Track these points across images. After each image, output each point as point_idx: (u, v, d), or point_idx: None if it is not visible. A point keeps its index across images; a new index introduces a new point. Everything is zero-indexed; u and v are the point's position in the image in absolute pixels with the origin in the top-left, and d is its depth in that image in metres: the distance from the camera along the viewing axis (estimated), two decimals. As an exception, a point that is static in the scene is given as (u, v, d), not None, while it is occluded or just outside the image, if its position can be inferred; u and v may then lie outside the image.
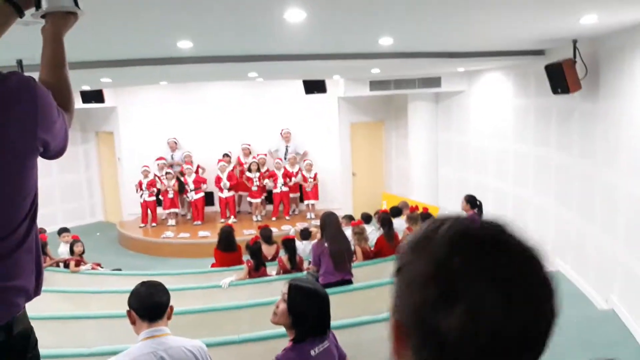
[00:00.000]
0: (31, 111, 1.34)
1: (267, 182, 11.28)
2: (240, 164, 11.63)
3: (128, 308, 2.32)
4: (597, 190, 5.93)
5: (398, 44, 5.50)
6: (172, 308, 2.38)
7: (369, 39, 5.06)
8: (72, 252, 7.42)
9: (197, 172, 11.39)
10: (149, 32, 4.03)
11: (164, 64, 5.26)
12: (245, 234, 10.00)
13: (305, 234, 7.67)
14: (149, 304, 2.30)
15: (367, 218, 8.32)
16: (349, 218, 8.17)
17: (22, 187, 1.39)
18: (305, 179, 11.43)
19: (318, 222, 6.07)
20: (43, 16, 1.54)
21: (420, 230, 0.73)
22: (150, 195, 11.18)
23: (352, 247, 6.33)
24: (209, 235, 10.29)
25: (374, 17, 3.94)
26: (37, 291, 1.47)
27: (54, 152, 1.48)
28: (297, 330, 2.54)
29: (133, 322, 2.32)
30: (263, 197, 11.44)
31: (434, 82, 10.01)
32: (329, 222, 5.65)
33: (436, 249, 0.66)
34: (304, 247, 7.26)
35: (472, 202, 7.25)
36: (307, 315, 2.53)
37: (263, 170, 11.44)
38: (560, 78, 5.89)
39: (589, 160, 6.11)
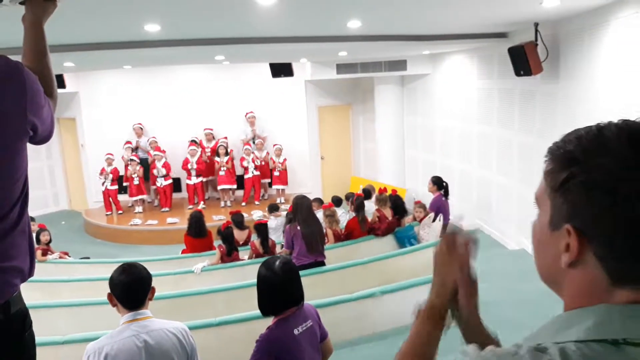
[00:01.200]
0: (21, 95, 1.35)
1: (240, 168, 11.25)
2: (202, 148, 11.53)
3: (109, 292, 2.33)
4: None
5: (366, 27, 5.55)
6: (154, 290, 2.40)
7: (337, 22, 5.09)
8: (38, 241, 7.27)
9: (166, 163, 11.25)
10: (116, 14, 3.96)
11: (130, 48, 5.17)
12: (214, 219, 9.98)
13: (274, 208, 7.72)
14: (130, 293, 2.30)
15: (337, 201, 8.43)
16: (319, 201, 8.25)
17: (15, 169, 1.40)
18: (274, 163, 11.44)
19: (288, 206, 6.15)
20: (22, 3, 1.53)
21: (570, 141, 0.76)
22: (112, 184, 10.99)
23: (324, 230, 6.41)
24: (177, 222, 10.23)
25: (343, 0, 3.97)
26: (31, 272, 1.49)
27: (42, 137, 1.49)
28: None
29: (115, 305, 2.33)
30: (231, 185, 11.40)
31: (400, 65, 10.10)
32: (301, 205, 5.71)
33: (616, 151, 0.69)
34: (275, 223, 7.31)
35: (438, 183, 7.41)
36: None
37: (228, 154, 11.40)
38: (523, 60, 6.05)
39: (550, 140, 6.29)
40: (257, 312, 4.42)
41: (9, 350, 1.45)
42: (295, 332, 2.55)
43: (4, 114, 1.34)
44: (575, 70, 5.64)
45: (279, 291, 2.57)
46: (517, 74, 6.25)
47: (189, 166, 11.09)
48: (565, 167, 0.73)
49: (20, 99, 1.36)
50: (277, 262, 2.60)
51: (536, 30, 5.98)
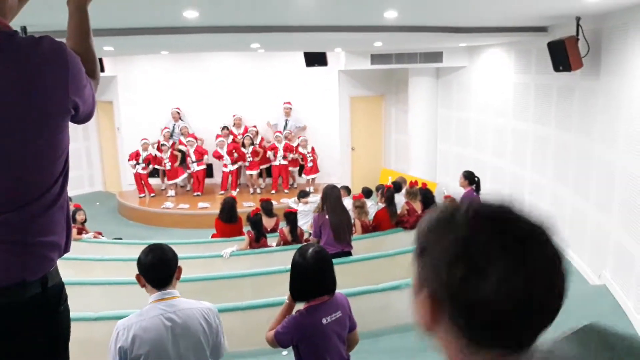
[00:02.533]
0: (63, 74, 1.40)
1: (270, 154, 11.31)
2: (234, 136, 11.63)
3: (137, 272, 2.39)
4: (593, 167, 6.00)
5: (402, 18, 5.49)
6: (180, 269, 2.45)
7: (374, 11, 5.05)
8: (74, 220, 7.49)
9: (198, 148, 11.40)
10: (156, 0, 4.02)
11: (169, 33, 5.24)
12: (244, 206, 10.09)
13: (303, 194, 7.75)
14: (157, 273, 2.36)
15: (367, 192, 8.42)
16: (347, 189, 8.27)
17: (57, 146, 1.45)
18: (304, 157, 11.46)
19: (319, 195, 6.17)
20: None
21: (436, 213, 0.81)
22: (144, 169, 11.21)
23: (352, 220, 6.42)
24: (208, 207, 10.38)
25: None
26: (67, 248, 1.55)
27: (83, 116, 1.54)
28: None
29: (143, 285, 2.40)
30: (259, 169, 11.48)
31: (436, 57, 9.97)
32: (331, 194, 5.73)
33: (459, 231, 0.74)
34: (301, 208, 7.35)
35: (470, 178, 7.32)
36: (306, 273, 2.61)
37: (257, 141, 11.45)
38: (563, 55, 5.90)
39: (587, 138, 6.17)
40: (283, 298, 4.49)
41: (46, 322, 1.51)
42: (324, 321, 2.58)
43: (47, 93, 1.38)
44: (617, 66, 5.47)
45: (309, 278, 2.61)
46: (556, 69, 6.10)
47: (222, 154, 11.19)
48: (422, 238, 0.80)
49: (63, 78, 1.40)
50: (310, 250, 2.64)
51: (578, 25, 5.81)
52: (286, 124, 11.68)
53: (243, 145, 11.34)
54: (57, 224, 1.49)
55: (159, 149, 11.25)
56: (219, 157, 11.25)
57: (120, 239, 8.35)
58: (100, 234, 7.99)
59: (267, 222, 7.16)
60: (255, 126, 11.70)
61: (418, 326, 0.83)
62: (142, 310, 2.31)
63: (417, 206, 7.43)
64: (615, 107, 5.48)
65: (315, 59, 9.94)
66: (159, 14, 4.61)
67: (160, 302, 2.32)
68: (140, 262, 2.39)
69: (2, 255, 1.39)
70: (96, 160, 12.95)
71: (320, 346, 2.60)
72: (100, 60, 10.05)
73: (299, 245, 6.40)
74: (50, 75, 1.38)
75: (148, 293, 2.40)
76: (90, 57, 1.58)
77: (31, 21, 4.36)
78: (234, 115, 11.72)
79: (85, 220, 7.76)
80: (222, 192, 11.28)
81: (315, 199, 7.15)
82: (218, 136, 11.36)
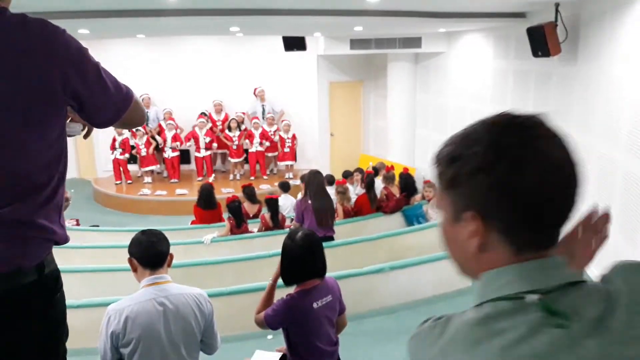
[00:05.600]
0: (57, 62, 1.33)
1: (246, 142, 11.24)
2: (212, 121, 11.51)
3: (129, 256, 2.36)
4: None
5: (384, 2, 5.47)
6: (172, 256, 2.43)
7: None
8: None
9: (176, 129, 11.24)
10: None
11: (148, 16, 5.12)
12: (223, 192, 10.02)
13: (285, 186, 7.73)
14: (150, 252, 2.34)
15: (347, 175, 8.48)
16: (330, 179, 8.29)
17: (45, 144, 1.40)
18: (282, 140, 11.41)
19: (298, 181, 6.15)
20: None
21: (451, 143, 0.86)
22: (122, 154, 11.02)
23: (334, 205, 6.44)
24: (186, 193, 10.29)
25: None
26: (62, 241, 1.52)
27: (94, 114, 1.48)
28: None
29: (134, 270, 2.37)
30: (243, 157, 11.42)
31: (415, 42, 9.99)
32: (313, 180, 5.73)
33: (484, 140, 0.80)
34: (283, 201, 7.33)
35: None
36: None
37: (242, 128, 11.39)
38: (542, 41, 5.96)
39: (564, 123, 6.26)
40: (266, 283, 4.49)
41: (43, 309, 1.49)
42: (315, 305, 2.59)
43: (33, 80, 1.31)
44: (594, 52, 5.56)
45: (298, 261, 2.61)
46: (535, 54, 6.17)
47: (200, 140, 11.08)
48: (449, 165, 0.83)
49: (54, 66, 1.33)
50: (300, 234, 2.64)
51: (557, 11, 5.87)
52: (264, 109, 11.60)
53: (229, 128, 11.23)
54: (52, 220, 1.46)
55: (133, 134, 11.06)
56: (194, 137, 11.09)
57: (97, 226, 8.23)
58: (76, 221, 7.85)
59: (250, 208, 7.13)
60: (244, 113, 11.58)
61: (461, 260, 0.87)
62: (134, 295, 2.28)
63: (395, 190, 7.49)
64: (592, 92, 5.58)
65: (294, 44, 9.85)
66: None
67: (152, 286, 2.29)
68: (133, 243, 2.36)
69: None
70: (70, 146, 12.58)
71: (310, 330, 2.61)
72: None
73: (281, 231, 6.44)
74: (38, 64, 1.30)
75: (138, 279, 2.37)
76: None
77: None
78: (213, 101, 11.58)
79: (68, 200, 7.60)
80: (200, 178, 11.18)
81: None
82: (200, 117, 11.21)
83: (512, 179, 0.76)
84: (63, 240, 1.52)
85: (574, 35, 5.90)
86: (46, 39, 1.32)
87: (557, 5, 5.82)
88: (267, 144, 11.24)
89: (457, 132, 0.86)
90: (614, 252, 4.97)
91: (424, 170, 10.43)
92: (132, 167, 11.37)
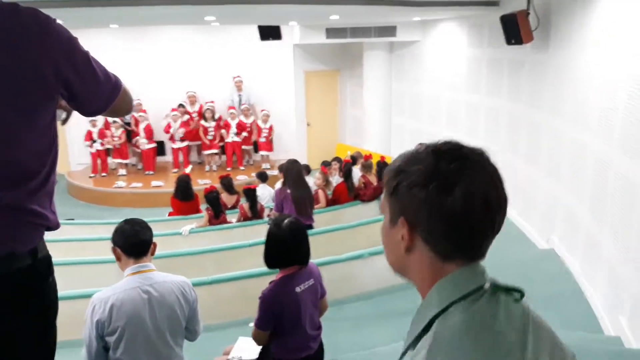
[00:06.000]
0: (47, 50, 1.34)
1: (223, 132, 11.18)
2: (189, 113, 11.40)
3: (113, 245, 2.36)
4: (543, 137, 6.26)
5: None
6: (155, 245, 2.44)
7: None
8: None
9: (148, 125, 11.09)
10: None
11: (123, 5, 5.04)
12: (200, 183, 9.96)
13: (263, 176, 7.73)
14: (134, 241, 2.34)
15: (327, 164, 8.54)
16: (307, 168, 8.31)
17: (37, 133, 1.41)
18: (259, 130, 11.37)
19: (275, 172, 6.15)
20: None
21: (400, 158, 0.99)
22: (102, 145, 10.87)
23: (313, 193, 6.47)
24: (162, 185, 10.20)
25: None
26: (54, 226, 1.53)
27: (85, 102, 1.50)
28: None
29: (118, 259, 2.37)
30: (220, 148, 11.35)
31: (390, 31, 10.04)
32: (292, 169, 5.75)
33: (425, 161, 0.92)
34: (261, 191, 7.33)
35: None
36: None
37: (216, 118, 11.30)
38: (514, 29, 6.07)
39: (537, 109, 6.42)
40: (249, 271, 4.50)
41: (36, 293, 1.51)
42: (297, 289, 2.63)
43: (23, 68, 1.31)
44: (565, 39, 5.68)
45: (283, 248, 2.64)
46: (509, 42, 6.28)
47: (172, 131, 10.98)
48: (395, 176, 0.96)
49: (47, 55, 1.33)
50: (286, 221, 2.67)
51: (528, -1, 5.98)
52: (240, 99, 11.53)
53: (204, 118, 11.14)
54: (45, 207, 1.49)
55: (107, 126, 10.89)
56: (170, 130, 11.00)
57: (73, 219, 8.12)
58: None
59: (228, 199, 7.12)
60: (213, 102, 11.48)
61: (392, 258, 1.02)
62: (119, 283, 2.29)
63: (373, 179, 7.57)
64: (562, 79, 5.71)
65: (270, 33, 9.79)
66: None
67: (137, 274, 2.30)
68: (119, 232, 2.36)
69: None
70: (41, 139, 12.38)
71: (295, 314, 2.64)
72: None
73: (260, 221, 6.44)
74: (29, 49, 1.31)
75: (122, 268, 2.37)
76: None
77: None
78: (187, 92, 11.46)
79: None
80: (175, 170, 11.09)
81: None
82: (173, 110, 11.09)
83: (439, 199, 0.88)
84: (55, 225, 1.54)
85: (546, 23, 6.02)
86: (38, 28, 1.33)
87: (529, -7, 5.93)
88: (244, 134, 11.19)
89: (408, 150, 0.98)
90: (585, 235, 5.11)
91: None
92: (108, 160, 11.22)
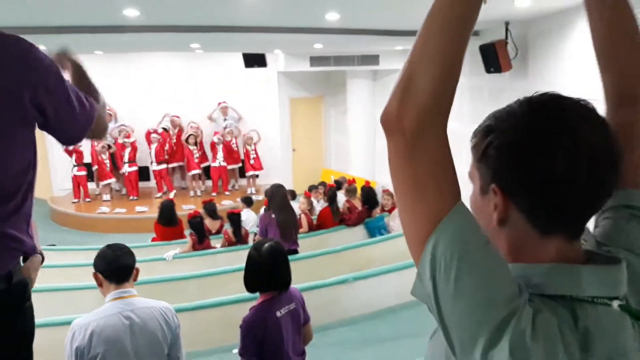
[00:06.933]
0: (24, 76, 1.36)
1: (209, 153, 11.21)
2: (163, 137, 11.36)
3: (94, 270, 2.35)
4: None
5: (344, 20, 5.62)
6: (138, 270, 2.43)
7: (316, 13, 5.15)
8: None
9: (133, 145, 11.06)
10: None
11: (107, 32, 5.10)
12: (184, 208, 9.91)
13: (248, 201, 7.73)
14: (116, 266, 2.33)
15: (312, 188, 8.59)
16: (292, 193, 8.34)
17: (12, 159, 1.42)
18: (247, 153, 11.42)
19: (260, 196, 6.17)
20: None
21: (486, 119, 0.86)
22: (79, 170, 10.79)
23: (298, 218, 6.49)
24: (146, 210, 10.12)
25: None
26: (30, 251, 1.52)
27: (60, 130, 1.52)
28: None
29: (100, 285, 2.35)
30: (200, 170, 11.32)
31: (373, 59, 10.22)
32: (277, 193, 5.77)
33: (519, 116, 0.80)
34: (246, 216, 7.32)
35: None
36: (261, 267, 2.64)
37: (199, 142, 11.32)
38: (493, 58, 6.24)
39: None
40: (232, 297, 4.48)
41: (10, 318, 1.47)
42: (278, 314, 2.62)
43: (3, 96, 1.33)
44: (543, 68, 5.85)
45: (262, 273, 2.63)
46: (488, 71, 6.44)
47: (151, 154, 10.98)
48: (484, 137, 0.84)
49: (26, 80, 1.36)
50: (266, 245, 2.67)
51: (507, 29, 6.16)
52: (226, 124, 11.58)
53: (187, 142, 11.14)
54: (21, 231, 1.47)
55: (93, 152, 10.83)
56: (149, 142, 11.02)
57: (54, 245, 8.01)
58: (32, 241, 7.62)
59: (212, 224, 7.09)
60: (198, 127, 11.50)
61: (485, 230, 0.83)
62: (100, 309, 2.27)
63: (357, 203, 7.61)
64: (542, 106, 5.86)
65: (255, 60, 9.92)
66: (98, 11, 4.48)
67: (118, 300, 2.29)
68: (99, 257, 2.35)
69: None
70: (23, 165, 12.26)
71: (277, 339, 2.63)
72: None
73: (245, 246, 6.42)
74: (7, 75, 1.33)
75: (103, 294, 2.36)
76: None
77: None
78: (170, 115, 11.48)
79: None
80: (159, 194, 11.04)
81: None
82: (150, 133, 11.10)
83: (537, 160, 0.75)
84: (31, 250, 1.52)
85: (524, 52, 6.20)
86: (18, 54, 1.36)
87: (507, 23, 6.11)
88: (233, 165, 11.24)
89: (502, 107, 0.85)
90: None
91: (386, 184, 10.62)
92: (91, 185, 11.12)
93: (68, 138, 1.58)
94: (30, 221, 1.54)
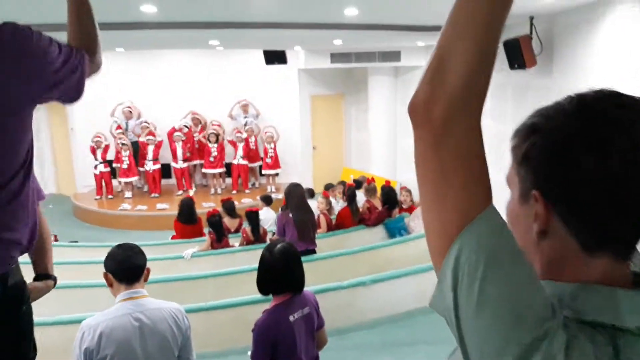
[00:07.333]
0: (23, 65, 1.32)
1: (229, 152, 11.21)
2: (188, 136, 11.40)
3: (105, 270, 2.32)
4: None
5: (363, 15, 5.53)
6: (148, 270, 2.39)
7: (334, 8, 5.07)
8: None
9: (158, 144, 11.13)
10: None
11: (126, 29, 5.09)
12: (204, 206, 9.93)
13: (267, 200, 7.70)
14: (126, 266, 2.30)
15: (328, 187, 8.53)
16: (310, 192, 8.28)
17: (13, 137, 1.36)
18: (265, 150, 11.41)
19: (280, 195, 6.13)
20: None
21: (530, 116, 0.77)
22: (105, 166, 10.91)
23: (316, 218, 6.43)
24: (167, 208, 10.18)
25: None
26: (30, 245, 1.46)
27: (65, 97, 1.45)
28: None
29: (110, 285, 2.32)
30: (223, 169, 11.34)
31: (394, 56, 10.10)
32: (294, 192, 5.72)
33: (568, 114, 0.71)
34: (265, 215, 7.29)
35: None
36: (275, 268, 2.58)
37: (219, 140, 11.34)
38: (517, 54, 6.07)
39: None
40: (247, 297, 4.43)
41: (6, 322, 1.41)
42: (291, 318, 2.55)
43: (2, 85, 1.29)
44: (569, 64, 5.67)
45: (274, 274, 2.58)
46: (512, 67, 6.28)
47: (177, 152, 11.03)
48: (526, 137, 0.75)
49: (23, 69, 1.32)
50: (278, 246, 2.61)
51: (531, 24, 5.99)
52: (246, 122, 11.58)
53: (209, 140, 11.17)
54: (18, 220, 1.39)
55: (118, 153, 10.93)
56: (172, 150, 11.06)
57: (77, 242, 8.09)
58: (54, 237, 7.71)
59: (230, 223, 7.07)
60: (219, 125, 11.52)
61: (521, 245, 0.71)
62: (109, 310, 2.24)
63: (377, 203, 7.50)
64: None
65: (275, 57, 9.89)
66: (115, 8, 4.48)
67: (128, 301, 2.25)
68: (109, 257, 2.32)
69: None
70: (48, 162, 12.48)
71: (290, 343, 2.57)
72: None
73: (263, 245, 6.39)
74: (7, 67, 1.29)
75: (114, 294, 2.32)
76: (92, 36, 1.54)
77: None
78: (192, 113, 11.53)
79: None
80: (180, 192, 11.09)
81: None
82: (174, 131, 11.14)
83: (587, 164, 0.66)
84: (27, 248, 1.45)
85: (549, 48, 6.02)
86: (16, 46, 1.31)
87: (531, 18, 5.94)
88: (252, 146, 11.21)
89: (548, 104, 0.76)
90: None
91: (406, 182, 10.49)
92: (113, 182, 11.24)
93: (70, 101, 1.52)
94: (33, 212, 1.46)
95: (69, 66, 1.43)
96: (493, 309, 0.62)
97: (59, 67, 1.39)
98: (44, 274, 1.79)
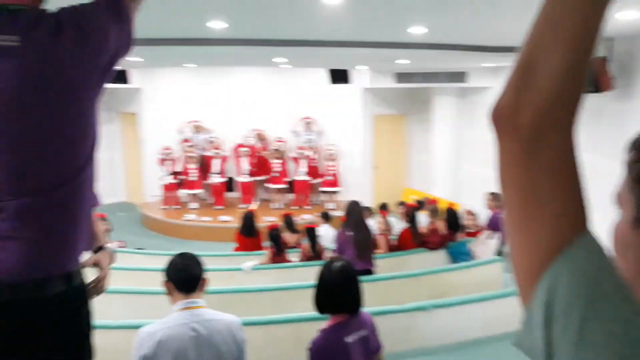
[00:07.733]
0: (88, 53, 1.31)
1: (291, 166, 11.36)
2: (253, 150, 11.68)
3: (165, 279, 2.37)
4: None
5: (431, 35, 5.47)
6: (205, 280, 2.42)
7: (401, 27, 5.04)
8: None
9: (224, 158, 11.46)
10: (182, 10, 4.07)
11: (195, 45, 5.29)
12: (265, 220, 10.06)
13: (326, 217, 7.70)
14: (184, 275, 2.33)
15: (384, 207, 8.45)
16: (368, 210, 8.21)
17: (75, 130, 1.34)
18: (326, 168, 11.47)
19: (340, 212, 6.09)
20: None
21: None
22: (173, 178, 11.32)
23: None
24: (230, 220, 10.39)
25: (411, 4, 3.94)
26: (89, 246, 1.47)
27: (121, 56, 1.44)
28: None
29: (170, 293, 2.36)
30: (285, 185, 11.48)
31: (460, 76, 9.93)
32: (353, 210, 5.68)
33: None
34: (324, 231, 7.28)
35: (499, 198, 7.16)
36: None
37: (284, 156, 11.51)
38: (592, 76, 5.80)
39: (619, 162, 6.03)
40: (304, 314, 4.40)
41: (68, 324, 1.40)
42: (348, 340, 2.49)
43: (70, 78, 1.29)
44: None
45: (332, 292, 2.54)
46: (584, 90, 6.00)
47: (243, 167, 11.29)
48: None
49: (89, 56, 1.31)
50: (337, 264, 2.58)
51: (608, 45, 5.72)
52: (309, 139, 11.70)
53: (272, 156, 11.37)
54: (83, 218, 1.39)
55: (185, 163, 11.33)
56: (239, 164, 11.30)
57: (143, 249, 8.39)
58: (123, 243, 8.03)
59: (290, 238, 7.12)
60: (284, 141, 11.72)
61: (629, 275, 0.64)
62: (167, 318, 2.27)
63: (440, 225, 7.27)
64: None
65: (340, 77, 9.98)
66: (186, 24, 4.66)
67: (186, 310, 2.28)
68: (170, 266, 2.37)
69: (25, 246, 1.27)
70: (119, 171, 13.08)
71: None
72: (124, 72, 10.22)
73: (321, 262, 6.37)
74: (74, 61, 1.28)
75: (172, 303, 2.36)
76: None
77: None
78: (256, 130, 11.80)
79: (109, 230, 7.79)
80: (243, 205, 11.31)
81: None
82: (240, 146, 11.40)
83: None
84: (88, 247, 1.46)
85: (628, 71, 5.71)
86: (79, 37, 1.30)
87: (608, 39, 5.68)
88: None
89: None
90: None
91: (470, 206, 10.19)
92: (180, 193, 11.64)
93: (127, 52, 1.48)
94: (91, 214, 1.47)
95: (121, 19, 1.39)
96: (596, 354, 0.52)
97: (116, 35, 1.37)
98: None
